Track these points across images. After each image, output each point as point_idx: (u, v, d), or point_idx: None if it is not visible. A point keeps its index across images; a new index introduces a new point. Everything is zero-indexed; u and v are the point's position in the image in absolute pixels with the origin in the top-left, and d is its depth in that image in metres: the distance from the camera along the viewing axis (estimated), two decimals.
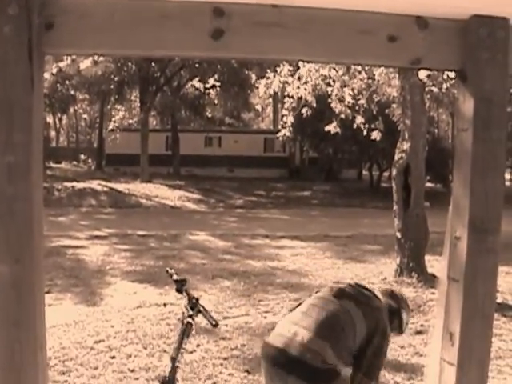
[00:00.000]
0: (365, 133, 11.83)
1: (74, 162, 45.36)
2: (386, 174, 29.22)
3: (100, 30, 2.02)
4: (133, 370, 5.63)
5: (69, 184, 27.23)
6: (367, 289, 3.47)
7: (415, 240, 10.00)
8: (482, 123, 2.22)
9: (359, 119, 11.43)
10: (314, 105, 11.10)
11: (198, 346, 6.25)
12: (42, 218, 2.07)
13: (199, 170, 34.11)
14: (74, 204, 23.49)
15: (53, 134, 52.89)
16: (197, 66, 30.72)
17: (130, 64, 30.04)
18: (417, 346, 6.29)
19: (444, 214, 2.48)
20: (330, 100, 11.18)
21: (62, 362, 5.76)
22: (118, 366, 5.73)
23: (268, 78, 11.23)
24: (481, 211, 2.24)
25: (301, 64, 10.51)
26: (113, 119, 33.80)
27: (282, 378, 3.14)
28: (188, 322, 3.29)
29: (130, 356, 6.03)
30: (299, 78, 10.77)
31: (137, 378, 5.45)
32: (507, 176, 31.27)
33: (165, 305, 7.94)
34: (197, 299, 3.34)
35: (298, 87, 10.87)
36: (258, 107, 53.18)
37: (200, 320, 3.39)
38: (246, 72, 32.43)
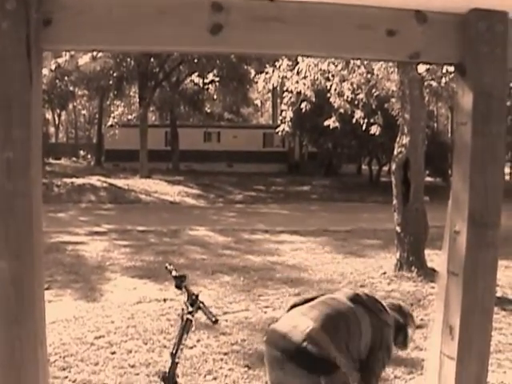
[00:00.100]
0: (364, 127, 11.84)
1: (74, 158, 45.35)
2: (385, 168, 29.22)
3: (98, 25, 2.02)
4: (133, 366, 5.64)
5: (68, 180, 27.21)
6: (380, 303, 3.50)
7: (415, 234, 10.01)
8: (481, 117, 2.22)
9: (358, 114, 11.44)
10: (313, 99, 11.10)
11: (198, 341, 6.26)
12: (41, 214, 2.07)
13: (198, 165, 34.09)
14: (74, 200, 23.48)
15: (52, 130, 52.83)
16: (196, 61, 30.68)
17: (128, 59, 29.97)
18: (417, 340, 6.28)
19: (444, 208, 2.48)
20: (329, 95, 11.18)
21: (63, 358, 5.77)
22: (118, 362, 5.73)
23: (267, 72, 11.21)
24: (480, 205, 2.24)
25: (300, 59, 10.50)
26: (112, 115, 33.74)
27: (281, 365, 3.18)
28: (188, 319, 3.29)
29: (131, 351, 6.03)
30: (298, 73, 10.76)
31: (137, 374, 5.46)
32: (506, 170, 31.26)
33: (165, 300, 7.94)
34: (196, 296, 3.33)
35: (297, 82, 10.86)
36: (257, 102, 53.39)
37: (200, 315, 3.38)
38: (245, 67, 32.38)
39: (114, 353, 5.98)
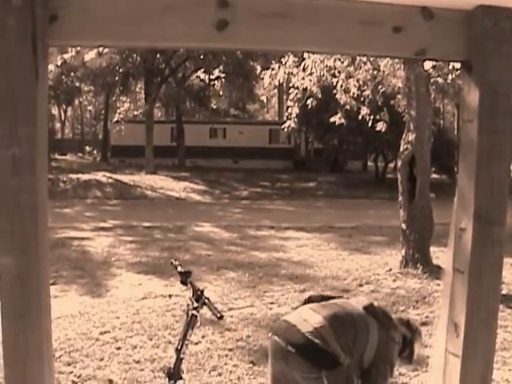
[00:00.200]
0: (370, 124, 11.81)
1: (80, 154, 45.49)
2: (391, 165, 29.18)
3: (104, 21, 2.02)
4: (138, 361, 5.66)
5: (74, 176, 27.29)
6: (392, 319, 3.52)
7: (420, 231, 9.99)
8: (488, 114, 2.21)
9: (364, 110, 11.41)
10: (319, 96, 11.08)
11: (203, 337, 6.27)
12: (47, 209, 2.07)
13: (204, 161, 34.13)
14: (80, 196, 23.54)
15: (58, 125, 52.99)
16: (202, 57, 30.66)
17: (134, 55, 29.99)
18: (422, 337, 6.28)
19: (449, 205, 2.48)
20: (335, 91, 11.16)
21: (68, 353, 5.79)
22: (123, 357, 5.75)
23: (273, 69, 11.19)
24: (486, 202, 2.23)
25: (306, 55, 10.48)
26: (118, 111, 33.73)
27: (285, 356, 3.20)
28: (193, 314, 3.29)
29: (136, 347, 6.05)
30: (304, 69, 10.74)
31: (142, 369, 5.47)
32: None
33: (170, 296, 7.95)
34: (202, 291, 3.33)
35: (303, 78, 10.85)
36: (263, 98, 53.35)
37: (205, 311, 3.39)
38: (251, 63, 32.34)
39: (119, 348, 6.00)
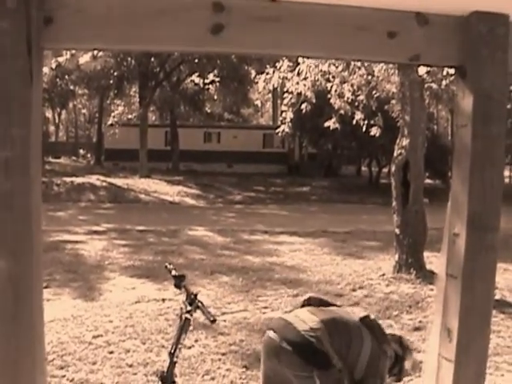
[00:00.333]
0: (364, 129, 11.83)
1: (73, 157, 45.36)
2: (385, 170, 29.20)
3: (99, 24, 2.02)
4: (131, 365, 5.64)
5: (68, 179, 27.20)
6: (386, 334, 3.52)
7: (414, 236, 10.00)
8: (482, 119, 2.22)
9: (358, 115, 11.43)
10: (314, 100, 11.09)
11: (196, 341, 6.26)
12: (41, 212, 2.06)
13: (198, 165, 34.09)
14: (73, 199, 23.47)
15: (52, 128, 52.89)
16: (196, 61, 30.67)
17: (129, 59, 29.97)
18: (415, 342, 6.28)
19: (443, 210, 2.48)
20: (329, 96, 11.17)
21: (61, 357, 5.76)
22: (116, 361, 5.73)
23: (267, 73, 11.20)
24: (480, 208, 2.24)
25: (300, 60, 10.50)
26: (112, 114, 33.71)
27: (278, 353, 3.22)
28: (186, 318, 3.29)
29: (129, 351, 6.03)
30: (299, 74, 10.76)
31: (135, 373, 5.45)
32: (506, 173, 31.25)
33: (163, 300, 7.94)
34: (195, 295, 3.33)
35: (298, 83, 10.86)
36: (258, 103, 53.35)
37: (198, 315, 3.39)
38: (246, 67, 32.37)
39: (111, 352, 5.98)
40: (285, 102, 12.95)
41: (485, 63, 2.20)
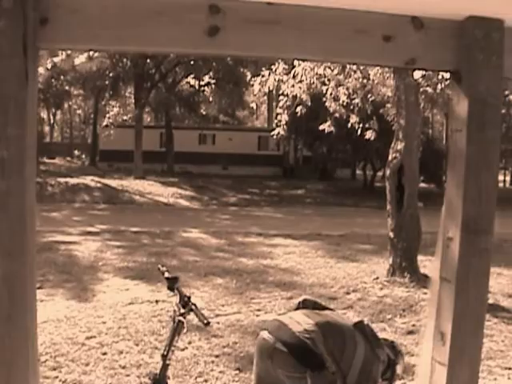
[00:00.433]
0: (359, 132, 11.83)
1: (68, 158, 45.18)
2: (379, 173, 29.26)
3: (94, 25, 2.02)
4: (124, 367, 5.63)
5: (62, 179, 27.15)
6: (379, 338, 3.53)
7: (408, 240, 10.01)
8: (476, 124, 2.22)
9: (354, 118, 11.43)
10: (309, 103, 11.08)
11: (189, 343, 6.25)
12: (35, 213, 2.06)
13: (193, 167, 34.07)
14: (67, 200, 23.42)
15: (47, 129, 52.72)
16: (192, 63, 30.69)
17: (125, 60, 29.96)
18: (408, 345, 6.29)
19: (437, 214, 2.48)
20: (324, 99, 11.17)
21: (53, 358, 5.75)
22: (109, 363, 5.72)
23: (263, 75, 11.19)
24: (474, 212, 2.24)
25: (296, 62, 10.51)
26: (107, 115, 33.58)
27: (271, 354, 3.23)
28: (179, 321, 3.28)
29: (122, 352, 6.02)
30: (294, 77, 10.76)
31: (128, 375, 5.44)
32: (500, 177, 31.34)
33: (157, 301, 7.92)
34: (188, 297, 3.33)
35: (293, 86, 10.86)
36: (253, 105, 53.37)
37: (192, 318, 3.38)
38: (241, 70, 32.40)
39: (105, 353, 5.96)
40: (280, 104, 12.93)
41: (480, 68, 2.20)
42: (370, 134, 11.56)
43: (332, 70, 10.64)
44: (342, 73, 10.75)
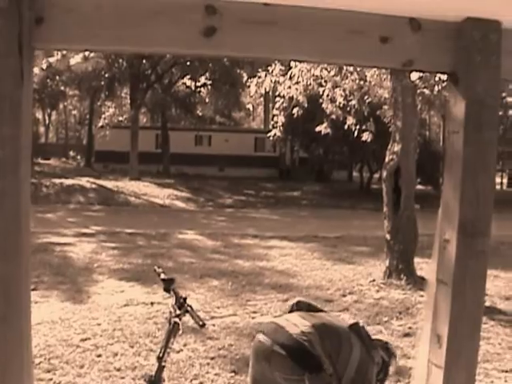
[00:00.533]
0: (356, 134, 11.82)
1: (63, 159, 45.13)
2: (376, 175, 29.27)
3: (90, 25, 2.01)
4: (119, 369, 5.60)
5: (57, 180, 27.10)
6: (373, 340, 3.53)
7: (405, 242, 10.01)
8: (473, 126, 2.21)
9: (350, 120, 11.42)
10: (306, 105, 11.07)
11: (184, 345, 6.23)
12: (30, 214, 2.04)
13: (189, 168, 34.03)
14: (62, 201, 23.36)
15: (42, 129, 52.59)
16: (188, 63, 30.68)
17: (120, 60, 29.90)
18: (404, 348, 6.29)
19: (434, 216, 2.48)
20: (321, 100, 11.16)
21: (48, 360, 5.72)
22: (104, 365, 5.69)
23: (259, 77, 11.18)
24: (471, 214, 2.23)
25: (292, 64, 10.49)
26: (103, 116, 33.54)
27: (268, 356, 3.21)
28: (175, 322, 3.26)
29: (117, 355, 5.99)
30: (291, 78, 10.75)
31: (123, 377, 5.42)
32: (497, 180, 31.41)
33: (152, 303, 7.90)
34: (184, 299, 3.31)
35: (290, 87, 10.85)
36: (249, 106, 53.39)
37: (187, 319, 3.37)
38: (238, 71, 32.39)
39: (99, 356, 5.94)
40: (276, 105, 12.92)
41: (478, 69, 2.20)
42: (366, 136, 11.55)
43: (329, 72, 10.63)
44: (339, 74, 10.74)
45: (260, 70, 11.71)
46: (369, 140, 11.61)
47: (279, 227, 17.62)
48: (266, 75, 11.01)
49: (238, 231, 16.07)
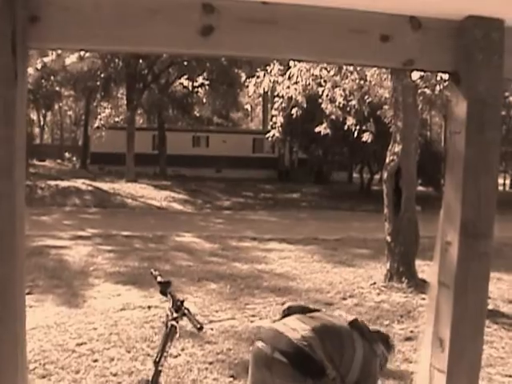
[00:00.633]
0: (356, 134, 11.78)
1: (58, 160, 44.95)
2: (377, 176, 29.24)
3: (86, 24, 1.98)
4: (115, 374, 5.55)
5: (52, 182, 27.02)
6: (373, 334, 3.50)
7: (406, 244, 9.96)
8: (475, 126, 2.18)
9: (350, 120, 11.38)
10: (305, 105, 11.03)
11: (182, 349, 6.19)
12: (25, 216, 2.01)
13: (186, 170, 33.96)
14: (58, 203, 23.28)
15: (37, 130, 52.32)
16: (185, 63, 30.58)
17: (116, 60, 29.74)
18: (406, 352, 6.25)
19: (436, 218, 2.44)
20: (320, 100, 11.12)
21: (43, 366, 5.67)
22: (100, 370, 5.64)
23: (258, 77, 11.13)
24: (473, 215, 2.20)
25: (291, 63, 10.45)
26: (98, 117, 33.36)
27: (269, 363, 3.17)
28: (172, 325, 3.23)
29: (113, 359, 5.94)
30: (290, 78, 10.70)
31: (119, 382, 5.38)
32: (500, 181, 31.41)
33: (149, 307, 7.85)
34: (181, 302, 3.28)
35: (289, 87, 10.80)
36: (248, 107, 53.38)
37: (185, 323, 3.33)
38: (236, 70, 32.33)
39: (96, 360, 5.89)
40: (275, 106, 12.89)
41: (480, 68, 2.17)
42: (366, 137, 11.51)
43: (328, 71, 10.59)
44: (339, 74, 10.70)
45: (258, 69, 11.66)
46: (369, 140, 11.57)
47: (278, 229, 17.58)
48: (264, 75, 10.97)
49: (236, 233, 16.03)
